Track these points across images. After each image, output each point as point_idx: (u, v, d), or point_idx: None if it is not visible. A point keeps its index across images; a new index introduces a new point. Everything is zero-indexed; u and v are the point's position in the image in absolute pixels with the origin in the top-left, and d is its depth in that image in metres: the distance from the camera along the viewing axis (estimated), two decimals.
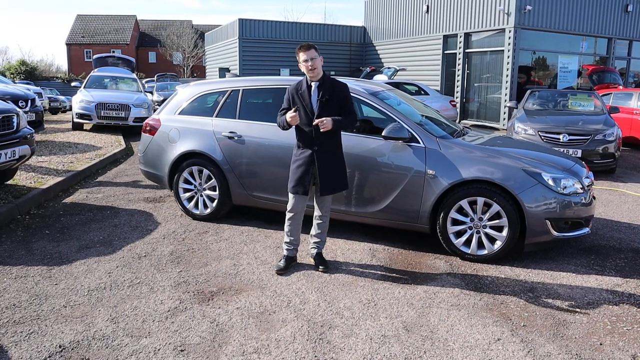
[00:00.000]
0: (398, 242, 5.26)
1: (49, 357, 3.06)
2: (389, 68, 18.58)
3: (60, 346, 3.17)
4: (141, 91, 15.16)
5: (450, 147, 4.92)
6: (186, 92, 6.08)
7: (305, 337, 3.35)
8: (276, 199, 5.46)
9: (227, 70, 22.77)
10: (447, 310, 3.82)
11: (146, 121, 6.25)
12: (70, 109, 24.45)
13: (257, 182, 5.50)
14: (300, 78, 4.48)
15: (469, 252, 4.82)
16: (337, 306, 3.82)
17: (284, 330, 3.44)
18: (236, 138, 5.51)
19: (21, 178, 7.31)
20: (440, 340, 3.37)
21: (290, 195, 4.44)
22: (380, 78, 17.22)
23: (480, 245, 4.81)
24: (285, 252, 4.56)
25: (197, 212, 5.81)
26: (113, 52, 47.97)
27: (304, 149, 4.36)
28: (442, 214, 4.83)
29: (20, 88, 12.79)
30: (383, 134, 4.88)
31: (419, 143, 4.93)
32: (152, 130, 6.08)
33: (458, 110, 16.58)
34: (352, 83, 5.49)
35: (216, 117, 5.73)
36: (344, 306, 3.82)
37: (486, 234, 4.78)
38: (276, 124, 5.10)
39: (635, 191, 8.17)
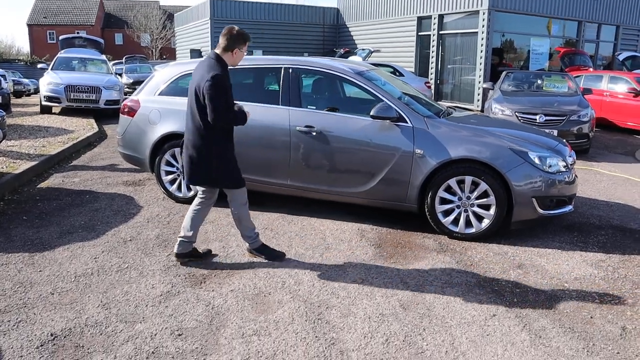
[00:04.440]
0: (386, 222, 5.25)
1: (41, 345, 2.96)
2: (363, 49, 18.48)
3: (51, 334, 3.07)
4: (111, 73, 14.76)
5: (438, 126, 4.91)
6: (166, 73, 5.91)
7: (304, 318, 3.32)
8: (259, 179, 5.38)
9: (199, 51, 22.35)
10: (441, 288, 3.84)
11: (124, 102, 6.06)
12: (35, 92, 23.72)
13: (245, 163, 5.36)
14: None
15: (457, 230, 4.85)
16: (332, 286, 3.79)
17: (281, 311, 3.40)
18: None
19: None
20: (438, 317, 3.38)
21: (245, 189, 4.22)
22: (355, 60, 17.12)
23: (468, 223, 4.84)
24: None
25: (180, 194, 5.69)
26: (78, 33, 46.55)
27: (231, 140, 4.08)
28: (430, 193, 4.84)
29: None
30: (371, 113, 4.84)
31: (407, 123, 4.91)
32: (131, 112, 5.91)
33: (432, 91, 16.64)
34: (337, 62, 5.44)
35: None
36: (339, 286, 3.80)
37: (474, 213, 4.81)
38: (252, 104, 5.05)
39: (609, 170, 8.35)
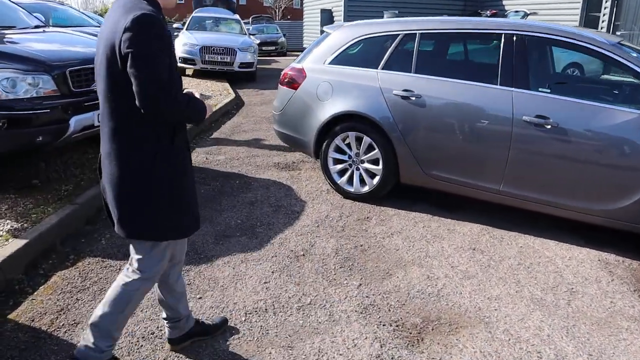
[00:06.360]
0: (628, 251, 3.82)
1: None
2: (516, 11, 16.26)
3: None
4: (245, 34, 14.03)
5: None
6: (341, 35, 4.76)
7: None
8: (457, 179, 4.14)
9: (330, 12, 21.15)
10: None
11: (285, 71, 5.04)
12: None
13: (439, 157, 4.17)
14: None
15: None
16: None
17: None
18: (413, 98, 4.18)
19: None
20: None
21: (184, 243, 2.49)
22: None
23: None
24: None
25: (351, 189, 4.61)
26: None
27: (184, 150, 2.19)
28: None
29: None
30: None
31: None
32: (294, 84, 4.87)
33: None
34: (578, 29, 3.98)
35: (383, 69, 4.41)
36: None
37: None
38: (455, 81, 3.89)
39: None
